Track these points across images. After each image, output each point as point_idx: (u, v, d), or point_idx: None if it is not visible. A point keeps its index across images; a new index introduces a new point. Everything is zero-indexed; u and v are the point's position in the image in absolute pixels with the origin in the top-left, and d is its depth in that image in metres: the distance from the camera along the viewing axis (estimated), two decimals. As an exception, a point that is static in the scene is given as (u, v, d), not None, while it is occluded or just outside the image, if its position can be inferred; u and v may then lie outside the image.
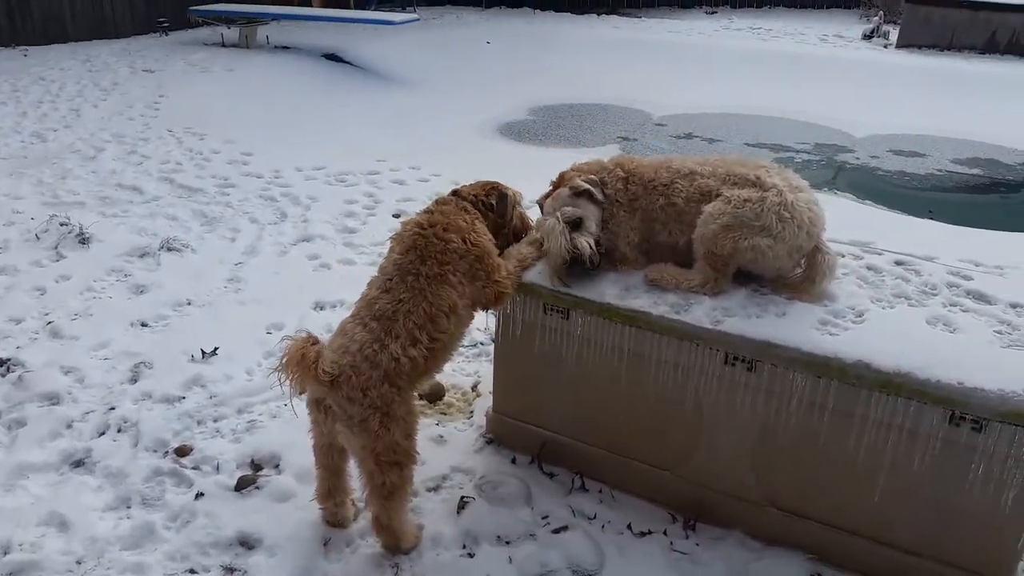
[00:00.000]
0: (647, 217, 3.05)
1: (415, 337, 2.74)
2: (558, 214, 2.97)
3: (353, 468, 2.87)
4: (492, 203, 3.11)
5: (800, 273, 2.92)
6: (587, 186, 3.01)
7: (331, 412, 2.70)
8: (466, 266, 2.86)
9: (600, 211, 3.05)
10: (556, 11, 17.70)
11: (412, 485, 2.88)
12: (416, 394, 2.94)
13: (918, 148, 9.40)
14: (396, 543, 2.88)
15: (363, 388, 2.64)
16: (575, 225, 2.96)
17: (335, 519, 3.02)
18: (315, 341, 2.71)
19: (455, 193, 3.13)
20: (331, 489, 2.97)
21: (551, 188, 3.16)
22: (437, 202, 3.08)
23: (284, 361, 2.63)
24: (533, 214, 3.34)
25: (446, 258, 2.83)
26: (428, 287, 2.79)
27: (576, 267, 2.95)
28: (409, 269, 2.82)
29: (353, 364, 2.66)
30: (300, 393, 2.74)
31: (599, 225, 3.04)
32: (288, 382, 2.66)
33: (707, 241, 2.85)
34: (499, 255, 3.03)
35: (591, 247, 2.93)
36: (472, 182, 3.23)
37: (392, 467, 2.73)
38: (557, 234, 2.92)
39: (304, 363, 2.60)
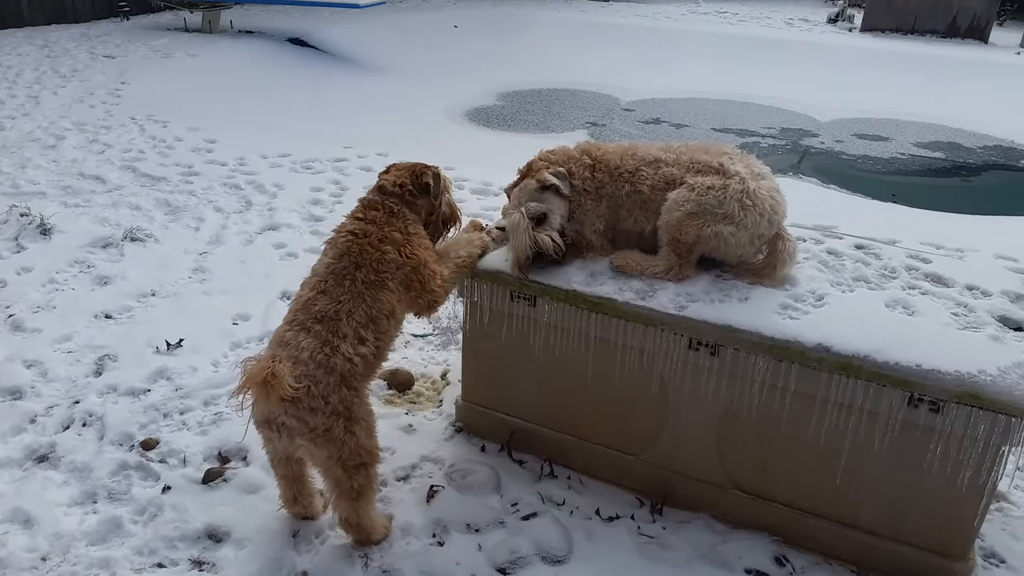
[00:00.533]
0: (613, 204, 3.07)
1: (362, 336, 2.68)
2: (523, 209, 2.97)
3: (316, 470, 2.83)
4: (427, 183, 2.98)
5: (762, 259, 2.96)
6: (554, 180, 3.01)
7: (286, 429, 2.57)
8: (402, 276, 2.81)
9: (566, 204, 3.05)
10: (524, -5, 17.58)
11: (378, 480, 2.86)
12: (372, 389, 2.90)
13: (882, 132, 9.53)
14: (366, 539, 2.88)
15: (323, 396, 2.56)
16: (539, 220, 2.97)
17: (305, 516, 3.01)
18: (276, 359, 2.48)
19: (380, 190, 2.95)
20: (296, 495, 2.94)
21: (518, 177, 3.16)
22: (365, 206, 2.94)
23: (244, 386, 2.41)
24: (502, 201, 3.34)
25: (382, 267, 2.77)
26: (366, 291, 2.72)
27: (539, 262, 2.97)
28: (345, 274, 2.74)
29: (308, 373, 2.55)
30: (258, 417, 2.61)
31: (564, 218, 3.05)
32: (248, 405, 2.51)
33: (671, 228, 2.88)
34: (435, 257, 2.96)
35: (554, 241, 2.95)
36: (397, 166, 3.05)
37: (359, 469, 2.68)
38: (521, 231, 2.93)
39: (264, 388, 2.39)
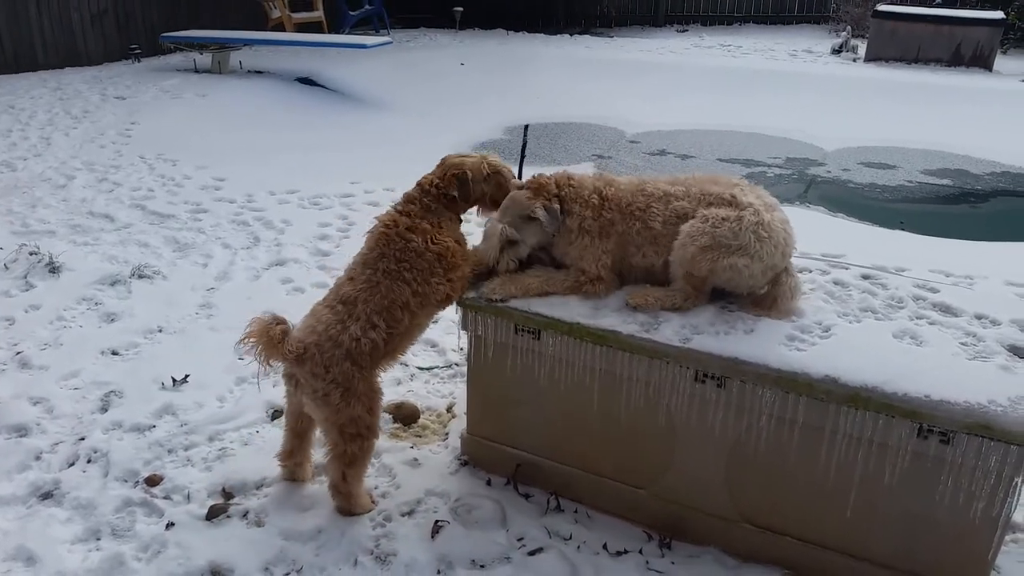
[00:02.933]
0: (622, 241, 3.06)
1: (373, 322, 2.95)
2: (503, 227, 3.08)
3: (320, 436, 3.18)
4: (452, 188, 3.18)
5: (765, 292, 2.94)
6: (540, 216, 3.04)
7: (299, 384, 2.99)
8: (424, 264, 3.03)
9: (545, 235, 3.12)
10: (529, 32, 17.85)
11: (371, 457, 3.14)
12: (380, 376, 3.13)
13: (888, 160, 9.54)
14: (349, 507, 3.12)
15: (326, 365, 2.90)
16: (510, 243, 3.10)
17: (292, 476, 3.33)
18: (281, 321, 2.91)
19: (419, 186, 3.21)
20: (293, 450, 3.27)
21: (529, 181, 3.18)
22: (405, 200, 3.19)
23: (247, 338, 2.86)
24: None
25: (404, 256, 3.02)
26: (383, 280, 2.99)
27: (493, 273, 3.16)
28: (368, 263, 3.05)
29: (317, 343, 2.92)
30: (267, 365, 2.93)
31: (535, 247, 3.18)
32: (256, 355, 2.88)
33: (685, 263, 2.87)
34: (465, 250, 3.21)
35: (508, 266, 3.13)
36: (445, 161, 3.27)
37: (355, 438, 2.98)
38: (493, 244, 3.10)
39: (270, 341, 2.84)
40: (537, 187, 3.13)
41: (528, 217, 3.06)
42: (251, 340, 2.86)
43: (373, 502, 3.21)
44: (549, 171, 3.22)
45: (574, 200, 3.09)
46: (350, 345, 2.92)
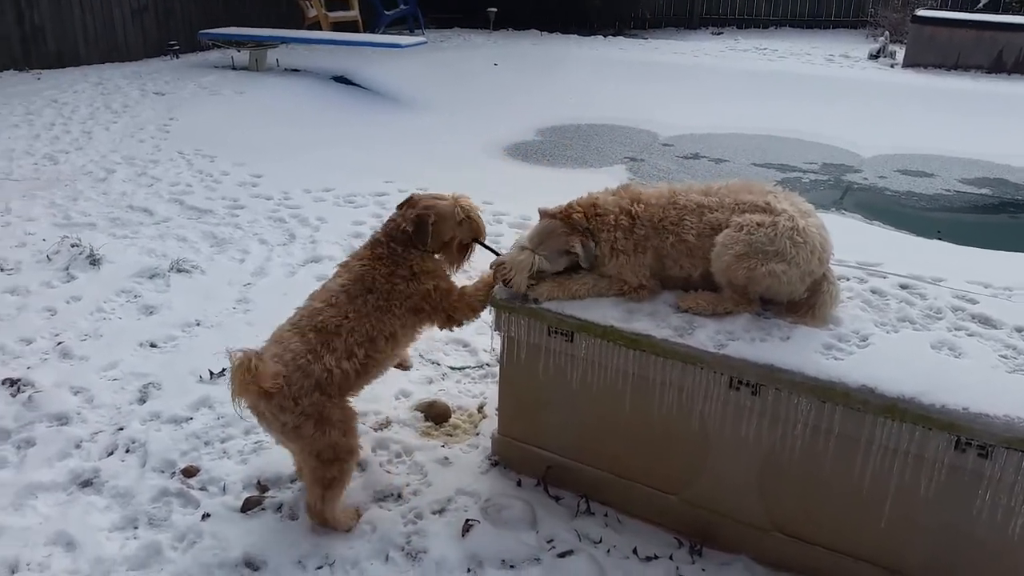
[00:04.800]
0: (658, 255, 3.04)
1: (353, 352, 2.91)
2: (537, 257, 3.03)
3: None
4: (412, 231, 3.12)
5: (804, 299, 2.93)
6: (578, 252, 3.03)
7: (265, 418, 2.87)
8: (411, 304, 3.07)
9: (571, 264, 3.11)
10: (563, 33, 17.81)
11: (351, 475, 3.07)
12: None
13: (926, 168, 9.41)
14: (327, 526, 3.06)
15: (294, 397, 2.80)
16: (538, 273, 3.07)
17: None
18: (259, 357, 2.74)
19: (385, 230, 3.17)
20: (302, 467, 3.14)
21: (557, 211, 3.13)
22: (372, 244, 3.17)
23: (231, 374, 2.70)
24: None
25: (392, 296, 3.03)
26: (373, 313, 2.98)
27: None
28: (356, 294, 3.00)
29: (285, 374, 2.80)
30: (239, 401, 2.81)
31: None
32: (231, 393, 2.75)
33: (723, 273, 2.87)
34: (446, 280, 3.21)
35: (527, 291, 3.06)
36: (412, 200, 3.21)
37: (333, 463, 2.90)
38: (523, 273, 3.04)
39: (245, 375, 2.66)
40: (569, 220, 3.08)
41: (565, 252, 3.06)
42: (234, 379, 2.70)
43: (359, 514, 3.16)
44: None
45: (601, 229, 3.06)
46: (320, 376, 2.84)
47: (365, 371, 3.00)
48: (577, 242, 3.03)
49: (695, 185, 3.15)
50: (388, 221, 3.22)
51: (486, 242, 3.34)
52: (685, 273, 3.03)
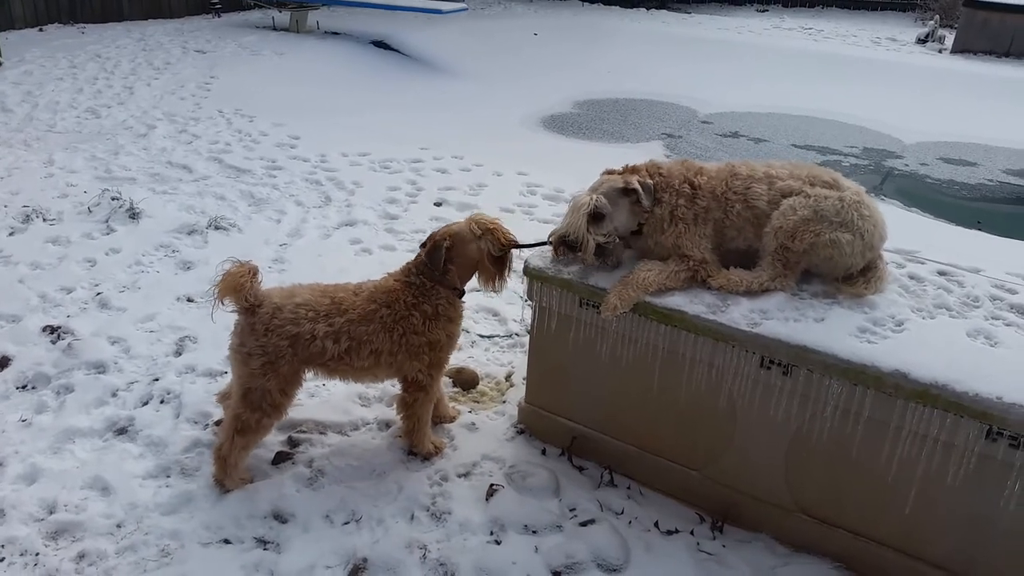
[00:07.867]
0: (719, 226, 3.01)
1: (339, 339, 2.99)
2: (594, 196, 2.95)
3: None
4: (430, 260, 3.13)
5: (858, 274, 2.94)
6: (636, 186, 2.96)
7: (236, 332, 3.02)
8: (414, 342, 3.10)
9: (633, 220, 3.03)
10: (605, 4, 17.61)
11: (263, 437, 3.13)
12: (305, 376, 3.13)
13: (969, 157, 9.21)
14: (223, 476, 3.10)
15: (268, 328, 2.93)
16: (597, 218, 2.95)
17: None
18: (255, 272, 2.94)
19: (416, 261, 3.19)
20: (231, 392, 3.20)
21: (616, 171, 3.11)
22: (405, 272, 3.18)
23: (219, 279, 2.90)
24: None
25: (405, 321, 3.08)
26: (377, 324, 3.04)
27: (571, 252, 2.97)
28: (372, 299, 3.08)
29: (279, 307, 2.95)
30: (220, 302, 2.96)
31: (620, 231, 3.02)
32: (215, 289, 2.92)
33: (783, 234, 2.85)
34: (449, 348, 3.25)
35: (589, 246, 2.92)
36: (435, 235, 3.17)
37: (256, 409, 3.00)
38: (580, 214, 2.91)
39: (235, 282, 2.86)
40: (631, 169, 3.09)
41: (623, 190, 2.99)
42: (223, 279, 2.89)
43: (247, 480, 3.16)
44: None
45: (664, 189, 3.02)
46: (303, 332, 2.94)
47: (334, 363, 3.04)
48: (635, 180, 2.98)
49: (754, 162, 3.12)
50: (415, 257, 3.22)
51: (524, 242, 3.21)
52: (747, 244, 3.01)
